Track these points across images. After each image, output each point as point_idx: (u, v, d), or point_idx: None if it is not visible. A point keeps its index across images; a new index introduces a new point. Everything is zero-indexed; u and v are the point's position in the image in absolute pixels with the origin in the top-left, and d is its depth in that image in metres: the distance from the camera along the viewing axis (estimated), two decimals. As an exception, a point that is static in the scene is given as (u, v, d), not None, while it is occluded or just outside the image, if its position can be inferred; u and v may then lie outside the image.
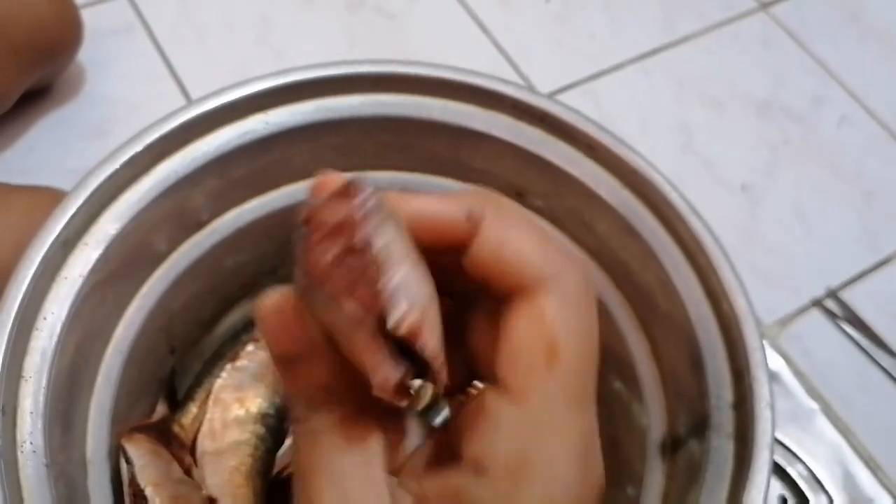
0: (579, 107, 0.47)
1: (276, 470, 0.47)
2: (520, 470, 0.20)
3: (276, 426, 0.48)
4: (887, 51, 0.79)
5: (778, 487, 0.56)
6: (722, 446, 0.39)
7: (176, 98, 0.68)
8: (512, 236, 0.21)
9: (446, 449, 0.23)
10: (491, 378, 0.22)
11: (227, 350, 0.51)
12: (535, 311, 0.21)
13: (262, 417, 0.48)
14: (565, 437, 0.21)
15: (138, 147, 0.43)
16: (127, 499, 0.41)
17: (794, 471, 0.56)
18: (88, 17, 0.68)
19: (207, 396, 0.49)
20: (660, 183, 0.44)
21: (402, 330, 0.19)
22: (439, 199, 0.22)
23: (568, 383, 0.21)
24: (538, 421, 0.21)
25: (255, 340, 0.50)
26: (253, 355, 0.50)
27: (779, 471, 0.56)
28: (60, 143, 0.64)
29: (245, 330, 0.52)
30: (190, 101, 0.45)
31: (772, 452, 0.37)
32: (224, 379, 0.49)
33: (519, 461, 0.20)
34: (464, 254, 0.22)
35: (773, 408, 0.39)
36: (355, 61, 0.46)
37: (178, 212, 0.46)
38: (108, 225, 0.43)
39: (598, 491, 0.22)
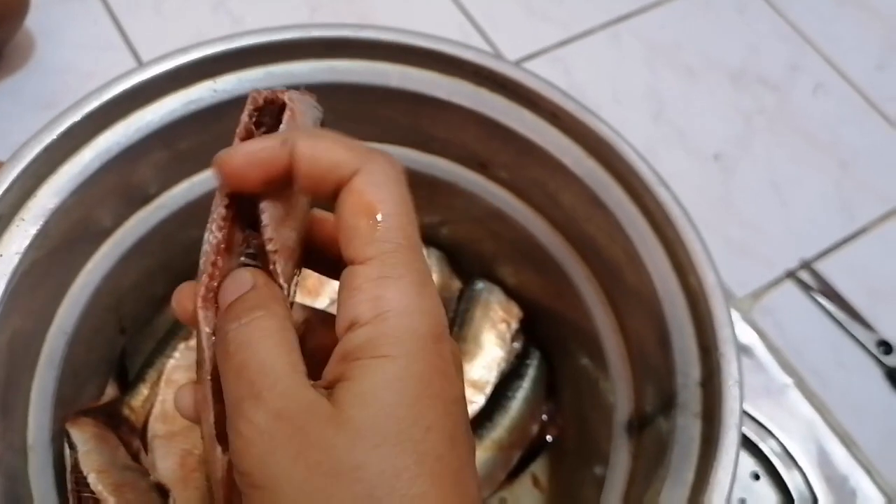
0: (548, 75, 0.45)
1: (231, 453, 0.46)
2: (379, 310, 0.25)
3: (230, 408, 0.46)
4: (864, 16, 0.77)
5: (750, 463, 0.55)
6: (688, 426, 0.38)
7: (129, 67, 0.65)
8: (320, 144, 0.26)
9: None
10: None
11: (181, 329, 0.49)
12: (353, 191, 0.26)
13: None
14: (404, 274, 0.25)
15: (77, 116, 0.41)
16: (69, 486, 0.39)
17: (766, 447, 0.55)
18: (37, -18, 0.65)
19: (159, 377, 0.47)
20: (626, 152, 0.43)
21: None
22: (258, 139, 0.27)
23: (394, 234, 0.25)
24: (381, 269, 0.25)
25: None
26: (207, 334, 0.48)
27: (751, 446, 0.55)
28: (7, 116, 0.61)
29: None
30: (140, 65, 0.43)
31: (740, 432, 0.36)
32: (177, 359, 0.47)
33: (377, 302, 0.25)
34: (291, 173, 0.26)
35: (741, 385, 0.37)
36: (306, 25, 0.44)
37: (122, 185, 0.44)
38: (47, 199, 0.40)
39: (438, 305, 0.26)
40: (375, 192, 0.26)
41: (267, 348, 0.25)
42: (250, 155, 0.26)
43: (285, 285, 0.28)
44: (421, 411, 0.24)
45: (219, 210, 0.28)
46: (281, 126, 0.28)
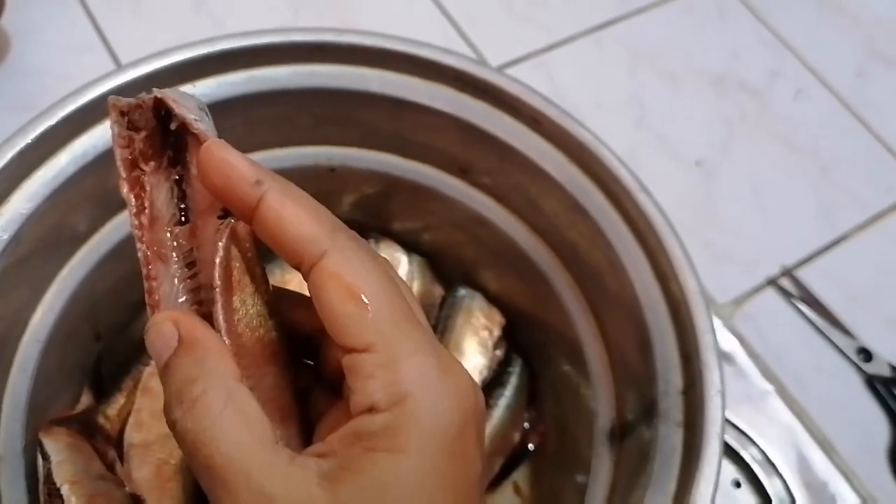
0: (531, 80, 0.45)
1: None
2: (397, 394, 0.23)
3: (208, 416, 0.45)
4: (843, 23, 0.78)
5: (732, 471, 0.55)
6: (670, 434, 0.38)
7: (108, 69, 0.64)
8: (288, 209, 0.25)
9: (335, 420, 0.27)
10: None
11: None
12: (330, 273, 0.24)
13: (194, 407, 0.45)
14: (414, 351, 0.24)
15: (53, 120, 0.40)
16: (42, 497, 0.39)
17: (747, 454, 0.55)
18: (14, -17, 0.64)
19: (136, 385, 0.46)
20: (608, 158, 0.42)
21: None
22: (243, 159, 0.25)
23: (389, 313, 0.24)
24: (387, 352, 0.24)
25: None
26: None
27: (732, 454, 0.55)
28: (-19, 118, 0.60)
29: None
30: (118, 68, 0.42)
31: (722, 442, 0.36)
32: (154, 367, 0.47)
33: (393, 388, 0.23)
34: (306, 280, 0.25)
35: (723, 394, 0.37)
36: (287, 29, 0.43)
37: (99, 189, 0.43)
38: (21, 204, 0.40)
39: (467, 381, 0.25)
40: (354, 273, 0.24)
41: (226, 437, 0.23)
42: (225, 165, 0.25)
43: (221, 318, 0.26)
44: None
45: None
46: (174, 116, 0.27)
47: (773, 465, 0.55)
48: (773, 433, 0.56)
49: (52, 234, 0.41)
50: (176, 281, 0.27)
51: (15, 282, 0.40)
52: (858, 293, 0.63)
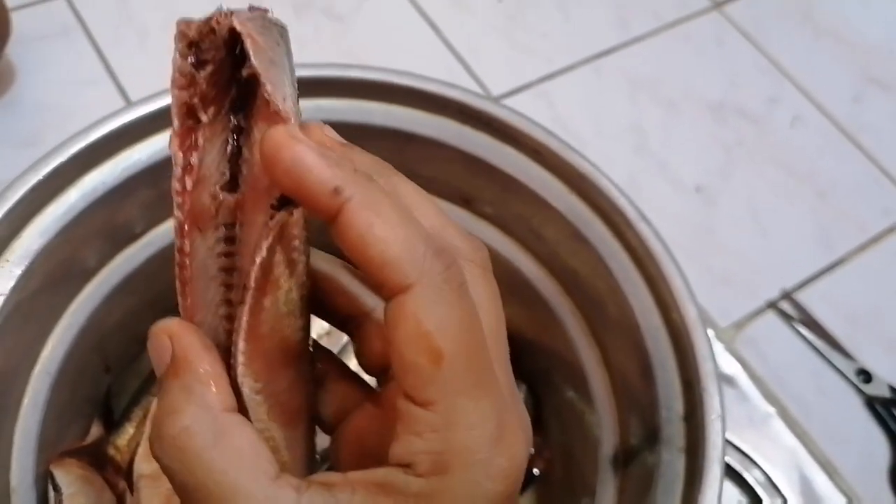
0: (532, 108, 0.46)
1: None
2: (441, 463, 0.21)
3: (216, 446, 0.46)
4: (839, 50, 0.79)
5: (735, 493, 0.55)
6: (673, 461, 0.38)
7: (116, 103, 0.65)
8: (377, 228, 0.21)
9: (364, 447, 0.25)
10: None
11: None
12: (408, 315, 0.21)
13: (202, 437, 0.46)
14: (476, 424, 0.22)
15: (63, 157, 0.41)
16: (54, 529, 0.39)
17: (750, 476, 0.55)
18: (23, 18, 0.65)
19: (145, 416, 0.47)
20: (608, 188, 0.43)
21: None
22: (320, 159, 0.22)
23: (462, 375, 0.22)
24: (447, 417, 0.21)
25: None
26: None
27: (735, 476, 0.55)
28: (-13, 152, 0.61)
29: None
30: (129, 104, 0.43)
31: (723, 466, 0.36)
32: (162, 397, 0.47)
33: (439, 457, 0.21)
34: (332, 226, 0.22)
35: (723, 419, 0.38)
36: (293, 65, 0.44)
37: (108, 224, 0.44)
38: (32, 240, 0.40)
39: (520, 460, 0.23)
40: (436, 320, 0.21)
41: (220, 478, 0.22)
42: (298, 166, 0.21)
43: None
44: None
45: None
46: (248, 63, 0.22)
47: (776, 487, 0.55)
48: (776, 455, 0.57)
49: (62, 269, 0.42)
50: (211, 259, 0.24)
51: (26, 315, 0.40)
52: (857, 315, 0.63)
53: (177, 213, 0.24)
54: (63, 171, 0.41)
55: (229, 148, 0.24)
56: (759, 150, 0.71)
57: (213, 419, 0.22)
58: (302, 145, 0.21)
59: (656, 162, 0.69)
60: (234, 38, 0.23)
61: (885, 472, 0.57)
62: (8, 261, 0.39)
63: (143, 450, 0.46)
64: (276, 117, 0.23)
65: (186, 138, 0.24)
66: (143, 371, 0.50)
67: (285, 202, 0.23)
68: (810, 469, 0.57)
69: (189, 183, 0.24)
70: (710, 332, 0.40)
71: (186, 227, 0.24)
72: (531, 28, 0.75)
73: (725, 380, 0.58)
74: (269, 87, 0.23)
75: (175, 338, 0.23)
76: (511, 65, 0.73)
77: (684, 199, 0.68)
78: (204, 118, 0.24)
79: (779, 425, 0.58)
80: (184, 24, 0.23)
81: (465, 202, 0.49)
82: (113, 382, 0.49)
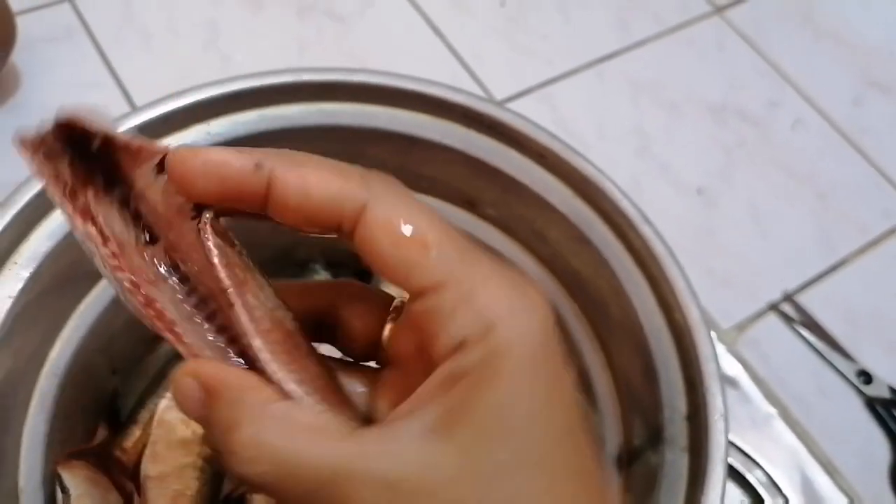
0: (535, 112, 0.46)
1: (224, 493, 0.46)
2: (484, 322, 0.22)
3: (222, 447, 0.46)
4: (839, 53, 0.79)
5: (738, 494, 0.55)
6: (676, 460, 0.38)
7: (120, 106, 0.65)
8: (309, 175, 0.23)
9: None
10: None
11: (173, 368, 0.49)
12: (379, 225, 0.23)
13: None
14: (489, 275, 0.23)
15: (71, 160, 0.41)
16: (62, 530, 0.39)
17: (752, 477, 0.56)
18: (27, 22, 0.65)
19: (151, 418, 0.47)
20: (611, 191, 0.44)
21: None
22: (227, 150, 0.23)
23: (452, 249, 0.23)
24: (462, 286, 0.22)
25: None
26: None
27: (737, 477, 0.56)
28: (-5, 155, 0.62)
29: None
30: (133, 110, 0.43)
31: (726, 466, 0.37)
32: (169, 399, 0.47)
33: (478, 318, 0.22)
34: (350, 238, 0.23)
35: (726, 419, 0.38)
36: (298, 69, 0.45)
37: (116, 227, 0.44)
38: (40, 243, 0.41)
39: (542, 291, 0.24)
40: (404, 215, 0.23)
41: (314, 461, 0.22)
42: (212, 165, 0.23)
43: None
44: (551, 421, 0.22)
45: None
46: (94, 134, 0.24)
47: (777, 487, 0.56)
48: (778, 456, 0.57)
49: (69, 271, 0.43)
50: (176, 302, 0.24)
51: (34, 317, 0.41)
52: (858, 317, 0.64)
53: (123, 280, 0.24)
54: (71, 173, 0.41)
55: (127, 216, 0.25)
56: (760, 153, 0.72)
57: (274, 414, 0.23)
58: (203, 148, 0.23)
59: (658, 164, 0.70)
60: (71, 132, 0.24)
61: (886, 471, 0.58)
62: (16, 263, 0.40)
63: (149, 451, 0.46)
64: (147, 151, 0.24)
65: (87, 215, 0.24)
66: (148, 373, 0.50)
67: (200, 209, 0.24)
68: (812, 469, 0.57)
69: (115, 248, 0.24)
70: (713, 334, 0.41)
71: (141, 286, 0.24)
72: (533, 31, 0.76)
73: (728, 381, 0.59)
74: (124, 136, 0.24)
75: (196, 374, 0.24)
76: (513, 68, 0.73)
77: (686, 201, 0.68)
78: (87, 198, 0.24)
79: (780, 426, 0.58)
80: (20, 137, 0.24)
81: (469, 204, 0.49)
82: (119, 384, 0.49)
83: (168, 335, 0.24)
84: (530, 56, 0.74)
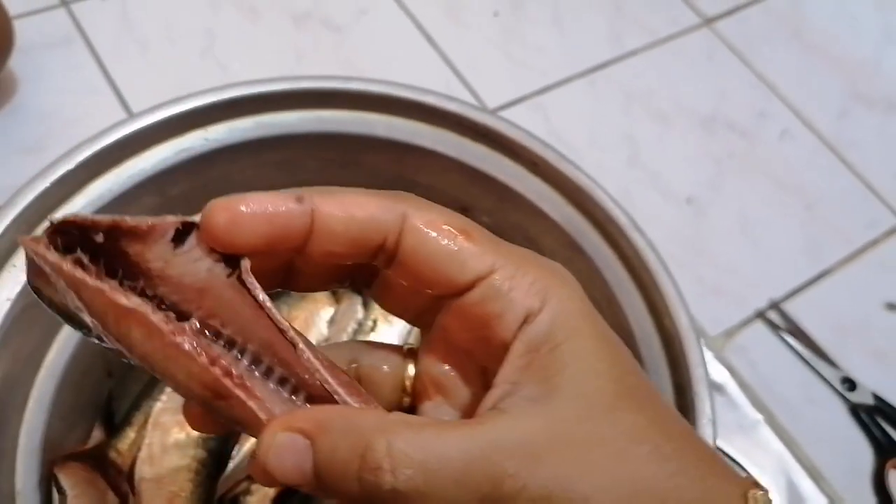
0: (528, 121, 0.47)
1: (218, 495, 0.46)
2: (540, 291, 0.24)
3: (217, 450, 0.47)
4: (826, 65, 0.81)
5: (724, 499, 0.56)
6: (665, 464, 0.39)
7: (116, 112, 0.66)
8: (348, 200, 0.24)
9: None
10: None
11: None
12: (420, 229, 0.24)
13: (204, 441, 0.46)
14: (528, 257, 0.26)
15: (70, 165, 0.42)
16: (59, 530, 0.40)
17: (739, 482, 0.56)
18: (24, 28, 0.66)
19: (146, 420, 0.47)
20: (603, 199, 0.44)
21: None
22: (261, 193, 0.23)
23: (486, 235, 0.25)
24: (510, 267, 0.25)
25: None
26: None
27: (725, 482, 0.56)
28: (-10, 159, 0.62)
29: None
30: (130, 116, 0.44)
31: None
32: (164, 402, 0.48)
33: (539, 290, 0.24)
34: (391, 255, 0.25)
35: (714, 423, 0.39)
36: (295, 77, 0.46)
37: (113, 231, 0.45)
38: (39, 246, 0.41)
39: (561, 267, 0.26)
40: (442, 217, 0.25)
41: (451, 454, 0.22)
42: (258, 207, 0.23)
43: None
44: (624, 368, 0.25)
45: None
46: (96, 227, 0.24)
47: (764, 493, 0.56)
48: (764, 461, 0.58)
49: (68, 274, 0.43)
50: (235, 364, 0.24)
51: (32, 321, 0.41)
52: (843, 325, 0.65)
53: (190, 351, 0.23)
54: (70, 178, 0.42)
55: (152, 302, 0.24)
56: (749, 163, 0.73)
57: (388, 425, 0.23)
58: (241, 195, 0.23)
59: (649, 173, 0.71)
60: (68, 231, 0.24)
61: (869, 476, 0.59)
62: (15, 266, 0.40)
63: (144, 453, 0.46)
64: (160, 227, 0.24)
65: (119, 293, 0.23)
66: (143, 376, 0.50)
67: (230, 265, 0.24)
68: (797, 474, 0.58)
69: (167, 325, 0.23)
70: (701, 341, 0.41)
71: (205, 359, 0.23)
72: (526, 42, 0.77)
73: (715, 387, 0.60)
74: (127, 219, 0.24)
75: (289, 425, 0.23)
76: (507, 77, 0.74)
77: (675, 210, 0.69)
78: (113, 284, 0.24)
79: (767, 432, 0.59)
80: (28, 244, 0.24)
81: (463, 211, 0.49)
82: (115, 387, 0.50)
83: (238, 391, 0.23)
84: (523, 65, 0.75)
